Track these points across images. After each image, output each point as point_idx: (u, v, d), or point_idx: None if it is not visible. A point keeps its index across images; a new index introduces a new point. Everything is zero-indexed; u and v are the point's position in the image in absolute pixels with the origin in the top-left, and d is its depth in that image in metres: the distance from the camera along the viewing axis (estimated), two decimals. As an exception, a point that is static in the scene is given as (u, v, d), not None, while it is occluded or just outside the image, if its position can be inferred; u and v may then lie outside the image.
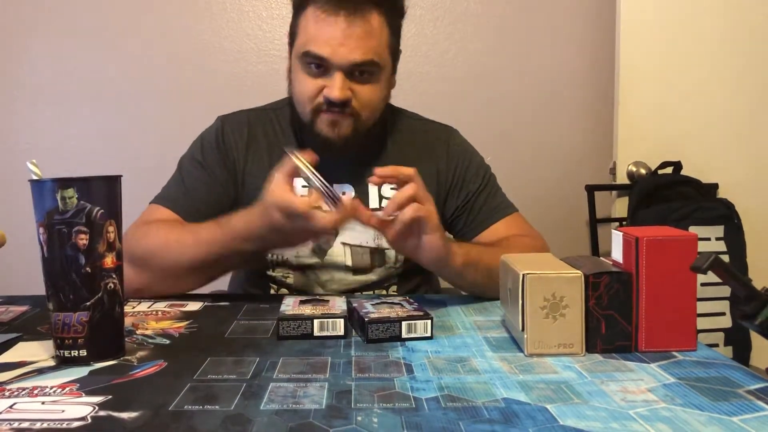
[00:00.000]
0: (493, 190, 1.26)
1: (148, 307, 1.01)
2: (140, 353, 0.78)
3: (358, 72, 1.11)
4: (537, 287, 0.76)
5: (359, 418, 0.58)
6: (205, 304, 1.04)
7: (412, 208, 0.93)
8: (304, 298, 0.96)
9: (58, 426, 0.57)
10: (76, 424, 0.57)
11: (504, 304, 0.88)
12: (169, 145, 1.39)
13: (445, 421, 0.58)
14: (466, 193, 1.24)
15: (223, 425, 0.57)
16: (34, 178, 0.75)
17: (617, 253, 0.82)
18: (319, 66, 1.10)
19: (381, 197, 1.22)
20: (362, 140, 1.17)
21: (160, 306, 1.02)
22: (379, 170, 0.96)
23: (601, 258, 0.89)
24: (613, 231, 0.85)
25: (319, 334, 0.84)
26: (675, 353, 0.77)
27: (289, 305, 0.91)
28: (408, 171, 0.95)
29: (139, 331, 0.88)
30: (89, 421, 0.58)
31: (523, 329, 0.77)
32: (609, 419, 0.58)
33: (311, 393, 0.65)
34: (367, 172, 1.23)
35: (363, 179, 1.22)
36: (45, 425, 0.57)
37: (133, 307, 1.01)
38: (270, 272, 1.22)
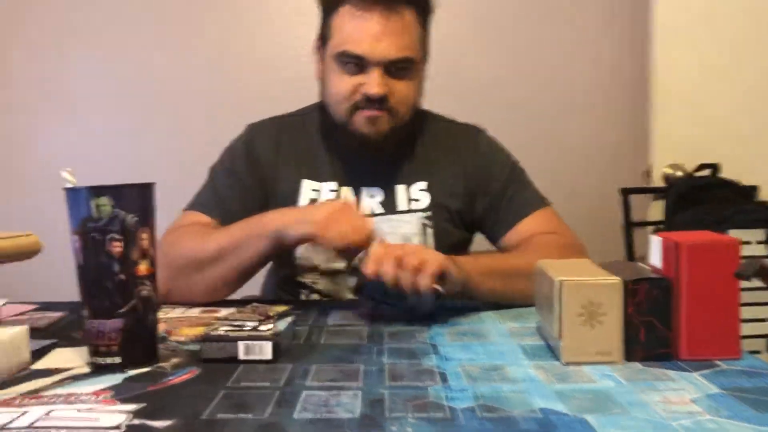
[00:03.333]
0: (521, 186, 1.24)
1: (181, 314, 1.02)
2: (174, 360, 0.78)
3: (394, 68, 1.11)
4: (574, 294, 0.75)
5: (393, 428, 0.57)
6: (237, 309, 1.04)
7: (430, 266, 0.90)
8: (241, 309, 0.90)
9: (93, 434, 0.57)
10: (110, 432, 0.57)
11: (540, 310, 0.86)
12: (201, 152, 1.39)
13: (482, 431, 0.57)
14: (492, 190, 1.23)
15: (256, 434, 0.57)
16: (69, 186, 0.76)
17: (656, 259, 0.80)
18: (356, 64, 1.10)
19: (410, 199, 1.21)
20: (396, 139, 1.17)
21: (193, 312, 1.02)
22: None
23: (638, 263, 0.87)
24: (651, 236, 0.82)
25: (244, 358, 0.77)
26: (718, 362, 0.74)
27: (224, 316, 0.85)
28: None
29: (172, 338, 0.88)
30: (123, 429, 0.58)
31: (559, 337, 0.75)
32: (652, 430, 0.56)
33: (344, 401, 0.64)
34: (395, 175, 1.23)
35: (392, 182, 1.22)
36: (80, 433, 0.57)
37: (166, 314, 1.01)
38: (299, 278, 1.22)
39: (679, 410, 0.61)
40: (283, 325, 0.83)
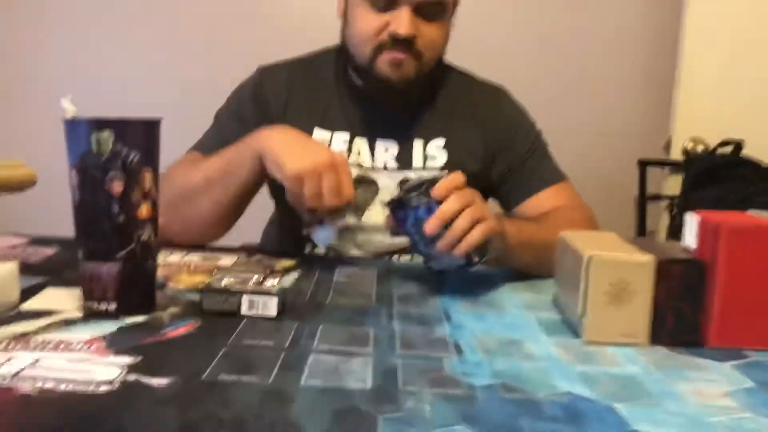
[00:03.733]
0: (542, 156, 1.20)
1: (181, 259, 0.97)
2: (171, 309, 0.74)
3: (424, 9, 1.04)
4: (603, 271, 0.70)
5: (409, 404, 0.53)
6: (239, 258, 0.99)
7: (479, 231, 0.82)
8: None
9: (84, 389, 0.52)
10: (103, 388, 0.53)
11: (560, 284, 0.82)
12: (208, 92, 1.33)
13: (504, 415, 0.52)
14: (513, 156, 1.18)
15: (261, 402, 0.52)
16: (69, 116, 0.70)
17: (690, 239, 0.75)
18: (385, 1, 1.04)
19: (426, 156, 1.16)
20: (420, 84, 1.10)
21: (194, 258, 0.97)
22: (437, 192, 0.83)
23: (668, 241, 0.82)
24: (687, 214, 0.77)
25: (248, 314, 0.72)
26: (748, 352, 0.70)
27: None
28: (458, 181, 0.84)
29: (171, 284, 0.83)
30: (117, 386, 0.53)
31: (582, 314, 0.71)
32: (688, 427, 0.52)
33: (354, 369, 0.60)
34: (413, 128, 1.17)
35: (409, 136, 1.16)
36: (70, 387, 0.52)
37: (165, 258, 0.96)
38: (305, 232, 1.17)
39: (714, 404, 0.56)
40: (289, 280, 0.78)
